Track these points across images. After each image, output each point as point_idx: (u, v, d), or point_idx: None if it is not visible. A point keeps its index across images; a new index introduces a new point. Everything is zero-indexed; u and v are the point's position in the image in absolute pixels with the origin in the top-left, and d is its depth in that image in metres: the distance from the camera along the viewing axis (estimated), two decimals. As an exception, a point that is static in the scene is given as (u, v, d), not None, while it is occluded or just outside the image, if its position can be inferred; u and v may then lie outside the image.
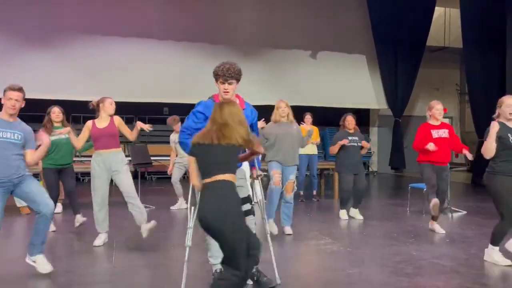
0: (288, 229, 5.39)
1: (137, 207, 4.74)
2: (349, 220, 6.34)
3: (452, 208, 6.95)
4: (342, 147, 6.35)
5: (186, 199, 7.18)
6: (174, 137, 7.27)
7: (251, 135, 2.92)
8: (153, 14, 11.10)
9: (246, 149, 3.12)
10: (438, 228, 5.53)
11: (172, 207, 7.21)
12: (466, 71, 11.78)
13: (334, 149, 6.45)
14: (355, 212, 6.49)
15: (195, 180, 2.91)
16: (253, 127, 3.56)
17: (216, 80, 3.40)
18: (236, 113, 2.89)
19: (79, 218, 5.57)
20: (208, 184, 2.80)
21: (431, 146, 5.20)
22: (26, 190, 3.78)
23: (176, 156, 7.31)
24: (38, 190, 3.82)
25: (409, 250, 4.68)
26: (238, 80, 3.42)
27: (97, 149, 4.79)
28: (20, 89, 3.80)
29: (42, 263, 3.82)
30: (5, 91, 3.77)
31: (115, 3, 10.91)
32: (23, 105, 3.85)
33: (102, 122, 4.86)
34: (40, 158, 4.10)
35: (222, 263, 2.81)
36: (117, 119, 4.88)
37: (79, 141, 4.89)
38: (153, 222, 4.73)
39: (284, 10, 12.06)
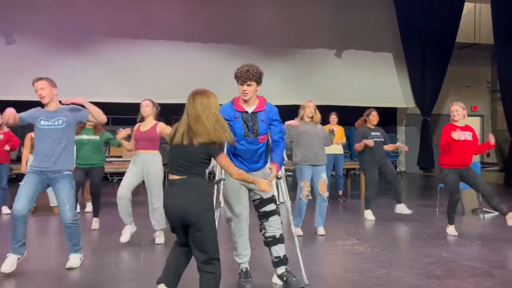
0: (321, 230, 5.40)
1: (157, 213, 4.86)
2: (376, 221, 6.24)
3: (484, 209, 6.75)
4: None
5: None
6: None
7: (226, 136, 2.75)
8: (179, 17, 11.24)
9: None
10: (452, 230, 5.35)
11: None
12: (497, 68, 11.43)
13: (359, 147, 6.33)
14: (400, 207, 6.28)
15: (233, 170, 2.86)
16: (273, 127, 3.46)
17: (237, 82, 3.40)
18: (209, 106, 2.74)
19: (95, 223, 5.69)
20: (177, 180, 2.74)
21: (456, 135, 4.97)
22: (57, 192, 3.94)
23: None
24: (64, 197, 3.91)
25: (439, 252, 4.58)
26: (258, 81, 3.38)
27: (136, 150, 4.98)
28: (40, 78, 3.94)
29: (69, 261, 4.01)
30: (32, 85, 3.94)
31: (143, 7, 11.11)
32: (55, 92, 3.97)
33: (145, 125, 5.01)
34: (95, 110, 4.02)
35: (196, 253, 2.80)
36: (160, 126, 4.96)
37: (130, 143, 5.12)
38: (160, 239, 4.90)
39: (308, 8, 11.99)
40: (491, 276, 3.84)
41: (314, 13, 12.03)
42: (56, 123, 3.90)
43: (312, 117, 5.32)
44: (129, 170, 4.95)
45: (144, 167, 4.88)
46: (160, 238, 4.96)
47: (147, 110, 4.99)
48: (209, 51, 11.52)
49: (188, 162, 2.74)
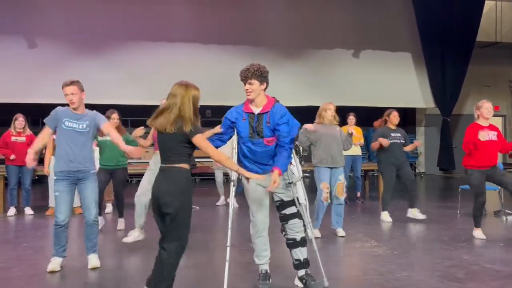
0: (340, 231, 5.37)
1: None
2: (394, 222, 6.16)
3: (507, 211, 6.61)
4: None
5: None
6: None
7: (197, 129, 2.92)
8: (196, 19, 11.31)
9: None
10: (479, 234, 5.21)
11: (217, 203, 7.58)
12: (520, 66, 11.20)
13: (375, 146, 6.24)
14: (413, 212, 6.23)
15: (212, 151, 3.00)
16: (277, 131, 3.34)
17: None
18: (187, 96, 2.92)
19: (120, 223, 5.77)
20: (165, 167, 2.97)
21: (482, 135, 4.84)
22: (82, 190, 4.03)
23: None
24: (89, 194, 4.03)
25: (460, 254, 4.50)
26: (260, 79, 3.32)
27: (155, 150, 5.05)
28: (72, 83, 4.00)
29: (91, 261, 4.09)
30: (62, 88, 4.01)
31: (159, 10, 11.21)
32: (83, 96, 4.06)
33: None
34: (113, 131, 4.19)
35: (163, 241, 2.96)
36: None
37: (146, 140, 5.25)
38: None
39: (324, 9, 11.94)
40: (514, 280, 3.75)
41: (330, 13, 11.97)
42: (81, 127, 3.99)
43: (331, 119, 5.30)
44: (148, 170, 5.00)
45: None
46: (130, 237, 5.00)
47: None
48: (225, 53, 11.56)
49: (168, 150, 2.97)
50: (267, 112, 3.36)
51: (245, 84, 3.35)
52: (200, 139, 2.94)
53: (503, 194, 6.80)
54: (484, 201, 5.11)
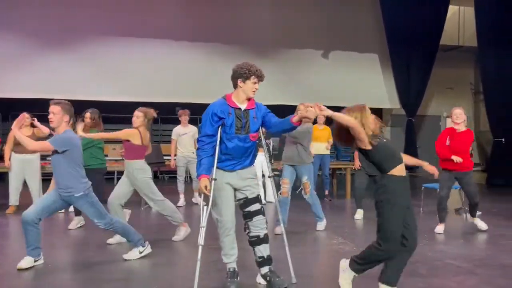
0: (317, 226, 5.59)
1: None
2: (362, 220, 6.30)
3: (467, 208, 6.85)
4: None
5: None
6: (179, 130, 7.45)
7: None
8: (167, 15, 11.17)
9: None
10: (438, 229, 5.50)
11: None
12: (481, 70, 11.64)
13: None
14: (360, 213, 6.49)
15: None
16: (268, 120, 3.51)
17: (245, 78, 3.36)
18: None
19: (74, 222, 5.64)
20: None
21: (457, 159, 5.17)
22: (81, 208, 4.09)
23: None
24: (87, 213, 4.09)
25: (423, 251, 4.64)
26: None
27: (127, 158, 5.04)
28: (57, 103, 3.95)
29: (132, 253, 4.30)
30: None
31: (129, 5, 11.00)
32: (65, 119, 3.98)
33: None
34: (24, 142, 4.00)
35: None
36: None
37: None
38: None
39: (296, 9, 12.02)
40: (474, 275, 3.90)
41: (302, 14, 12.06)
42: (61, 150, 3.93)
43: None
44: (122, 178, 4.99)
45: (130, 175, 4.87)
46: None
47: (135, 121, 4.95)
48: (198, 51, 11.48)
49: None
50: (252, 108, 3.44)
51: (256, 83, 3.39)
52: None
53: (463, 192, 7.05)
54: (443, 196, 5.41)
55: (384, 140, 3.23)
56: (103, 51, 10.88)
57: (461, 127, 5.39)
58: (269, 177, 3.81)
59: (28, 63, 10.13)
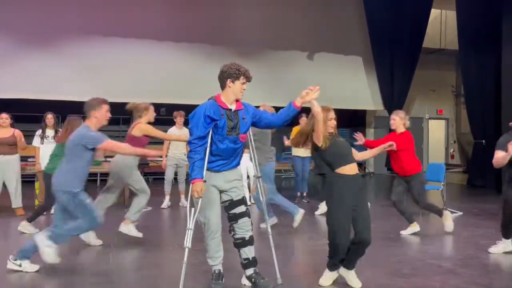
0: (296, 220, 5.63)
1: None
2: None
3: (448, 209, 6.97)
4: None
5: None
6: (174, 132, 7.34)
7: None
8: (152, 15, 11.08)
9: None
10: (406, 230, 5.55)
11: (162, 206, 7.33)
12: (462, 73, 11.84)
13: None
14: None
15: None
16: (263, 117, 3.56)
17: (234, 79, 3.36)
18: None
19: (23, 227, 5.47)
20: None
21: (390, 145, 5.00)
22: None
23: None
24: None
25: (406, 251, 4.71)
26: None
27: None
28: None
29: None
30: None
31: (114, 4, 10.88)
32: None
33: None
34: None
35: None
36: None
37: None
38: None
39: (281, 11, 12.06)
40: (455, 274, 3.98)
41: (287, 16, 12.11)
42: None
43: None
44: None
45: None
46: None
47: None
48: (182, 51, 11.41)
49: None
50: (241, 109, 3.44)
51: (244, 83, 3.41)
52: None
53: (445, 193, 7.18)
54: (393, 200, 5.51)
55: (338, 140, 3.53)
56: (88, 51, 10.70)
57: (399, 130, 5.45)
58: (258, 177, 3.81)
59: (10, 63, 9.93)
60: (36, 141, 6.92)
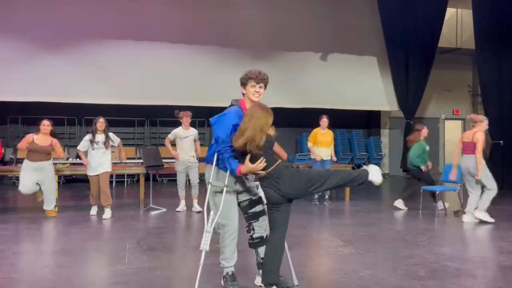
0: None
1: None
2: (360, 223, 6.30)
3: (465, 211, 6.86)
4: None
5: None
6: (180, 132, 7.23)
7: None
8: (165, 18, 11.17)
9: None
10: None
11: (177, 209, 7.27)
12: (479, 72, 11.66)
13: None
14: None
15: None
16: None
17: (246, 84, 3.42)
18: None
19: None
20: None
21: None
22: None
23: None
24: None
25: (422, 253, 4.65)
26: (266, 85, 3.48)
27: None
28: None
29: None
30: None
31: (127, 7, 11.01)
32: None
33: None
34: None
35: None
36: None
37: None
38: None
39: (294, 12, 12.05)
40: (473, 277, 3.91)
41: (300, 17, 12.09)
42: None
43: None
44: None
45: None
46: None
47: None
48: (195, 53, 11.48)
49: None
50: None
51: (254, 86, 3.41)
52: None
53: (463, 195, 7.07)
54: None
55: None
56: (99, 53, 10.85)
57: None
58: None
59: (20, 65, 10.09)
60: (83, 145, 6.77)
